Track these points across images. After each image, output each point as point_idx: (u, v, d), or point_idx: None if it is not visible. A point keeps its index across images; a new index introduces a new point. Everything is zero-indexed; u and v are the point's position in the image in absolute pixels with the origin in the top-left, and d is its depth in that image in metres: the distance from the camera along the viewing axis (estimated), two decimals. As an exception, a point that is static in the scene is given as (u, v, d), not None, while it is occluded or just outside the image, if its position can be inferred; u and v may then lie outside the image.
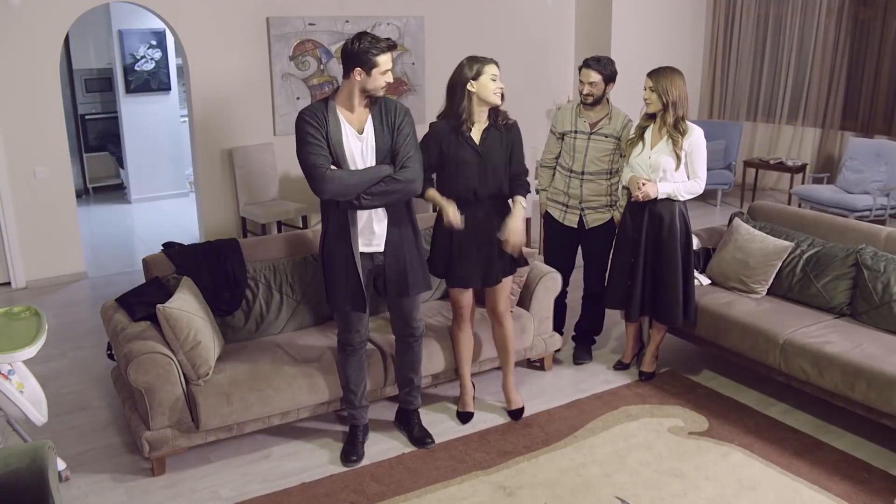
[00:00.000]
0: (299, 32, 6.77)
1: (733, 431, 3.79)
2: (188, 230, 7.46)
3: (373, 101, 3.30)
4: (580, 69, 4.19)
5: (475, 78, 3.47)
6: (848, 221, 4.42)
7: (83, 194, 9.19)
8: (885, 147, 7.07)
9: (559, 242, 4.46)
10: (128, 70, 8.40)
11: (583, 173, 4.23)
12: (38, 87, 5.75)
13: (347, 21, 6.99)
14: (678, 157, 3.90)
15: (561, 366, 4.53)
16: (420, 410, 3.82)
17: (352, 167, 3.26)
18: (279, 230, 6.64)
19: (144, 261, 3.95)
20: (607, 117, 4.20)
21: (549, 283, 4.28)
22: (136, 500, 3.30)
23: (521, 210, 3.60)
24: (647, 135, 3.98)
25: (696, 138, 3.91)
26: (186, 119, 7.20)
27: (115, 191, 9.41)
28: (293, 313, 4.02)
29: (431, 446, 3.67)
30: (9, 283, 5.94)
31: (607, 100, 4.21)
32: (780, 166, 8.02)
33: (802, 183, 7.88)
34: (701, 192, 4.01)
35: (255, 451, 3.67)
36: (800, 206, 7.07)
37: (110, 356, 3.83)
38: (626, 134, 4.14)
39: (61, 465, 3.34)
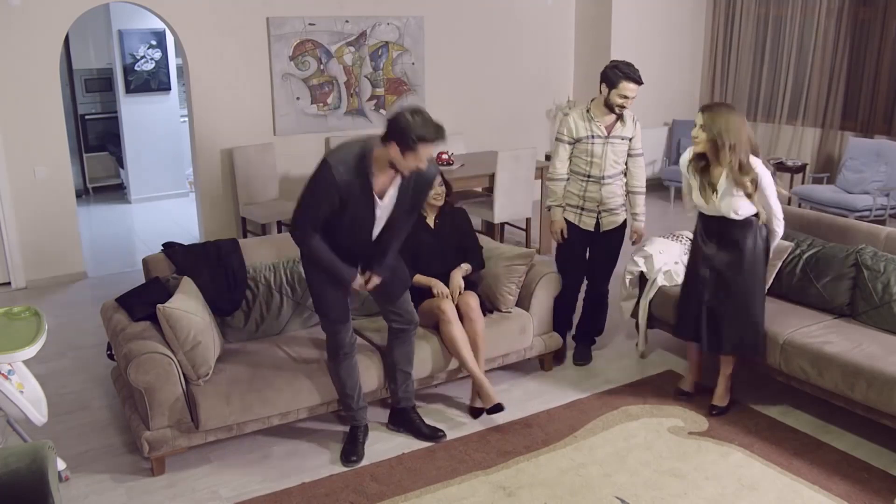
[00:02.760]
0: (299, 32, 6.77)
1: (733, 431, 3.79)
2: (188, 230, 7.46)
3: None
4: (615, 81, 4.02)
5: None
6: (848, 221, 4.42)
7: (83, 194, 9.19)
8: (885, 147, 7.07)
9: (574, 245, 4.40)
10: (128, 70, 8.40)
11: (602, 178, 4.21)
12: (38, 87, 5.75)
13: (347, 21, 6.99)
14: (748, 196, 3.61)
15: (561, 366, 4.53)
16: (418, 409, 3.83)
17: (366, 231, 3.29)
18: (279, 230, 6.63)
19: (144, 261, 3.95)
20: (620, 120, 4.19)
21: (549, 283, 4.28)
22: (136, 500, 3.30)
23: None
24: (711, 178, 3.66)
25: (760, 175, 3.58)
26: (186, 119, 7.20)
27: (115, 191, 9.41)
28: (293, 313, 4.01)
29: (444, 439, 3.69)
30: (9, 283, 5.94)
31: None
32: (780, 166, 8.01)
33: (802, 183, 7.88)
34: (781, 231, 3.76)
35: (255, 451, 3.67)
36: (800, 206, 7.07)
37: (110, 356, 3.83)
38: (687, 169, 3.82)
39: (61, 465, 3.34)
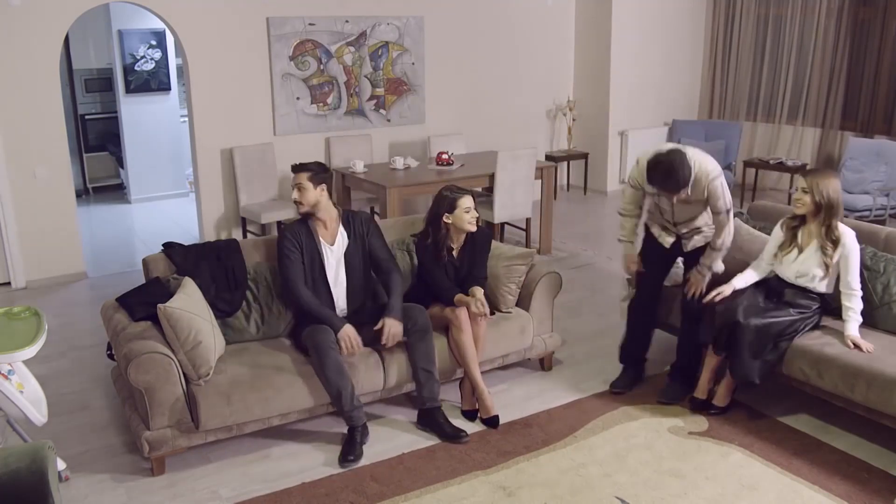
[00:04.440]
0: (299, 32, 6.77)
1: (733, 431, 3.79)
2: (188, 230, 7.46)
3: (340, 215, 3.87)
4: (650, 190, 3.88)
5: (450, 210, 3.97)
6: (848, 221, 4.40)
7: (83, 194, 9.19)
8: (885, 147, 7.07)
9: (655, 255, 4.15)
10: (128, 70, 8.40)
11: (676, 224, 3.99)
12: (38, 87, 5.75)
13: (347, 21, 6.99)
14: (826, 266, 3.74)
15: (561, 366, 4.53)
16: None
17: (329, 273, 3.82)
18: (279, 230, 6.63)
19: (144, 261, 3.95)
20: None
21: (549, 283, 4.28)
22: (136, 500, 3.31)
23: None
24: (799, 238, 3.82)
25: (849, 244, 3.70)
26: (186, 119, 7.20)
27: (115, 191, 9.42)
28: (293, 314, 4.01)
29: (466, 439, 3.69)
30: (9, 283, 5.94)
31: None
32: (780, 166, 8.02)
33: (802, 183, 7.88)
34: (860, 305, 3.72)
35: (255, 451, 3.67)
36: (800, 206, 7.07)
37: (110, 356, 3.83)
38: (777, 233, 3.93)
39: (61, 465, 3.34)
